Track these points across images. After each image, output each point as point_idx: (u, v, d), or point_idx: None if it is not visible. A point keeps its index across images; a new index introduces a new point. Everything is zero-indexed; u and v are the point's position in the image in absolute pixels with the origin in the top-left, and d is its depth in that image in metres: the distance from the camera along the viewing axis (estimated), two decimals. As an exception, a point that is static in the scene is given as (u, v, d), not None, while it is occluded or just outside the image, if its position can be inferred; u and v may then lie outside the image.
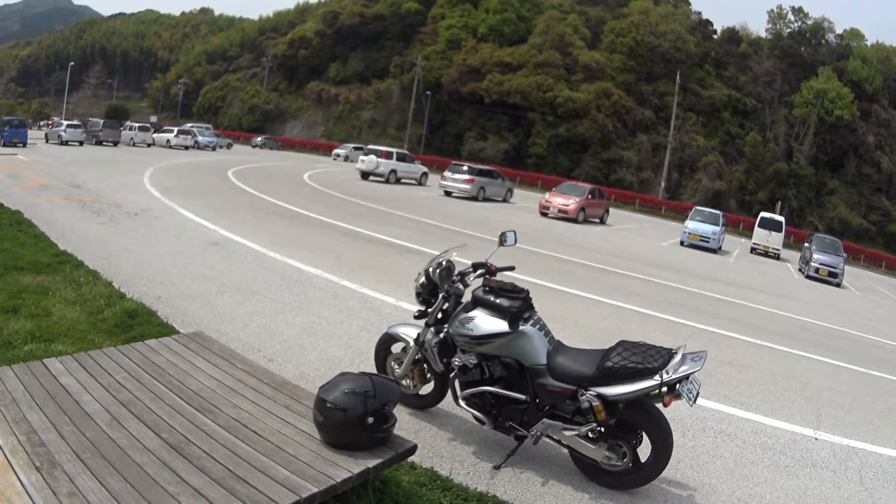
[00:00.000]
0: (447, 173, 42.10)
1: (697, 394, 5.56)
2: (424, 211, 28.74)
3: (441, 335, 6.28)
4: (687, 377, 5.39)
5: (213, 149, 64.27)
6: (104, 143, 51.85)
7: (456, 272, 6.44)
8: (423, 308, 6.45)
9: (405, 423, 6.41)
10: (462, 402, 6.17)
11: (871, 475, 7.60)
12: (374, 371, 6.78)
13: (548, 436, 5.84)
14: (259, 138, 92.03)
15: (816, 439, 8.45)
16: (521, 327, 5.80)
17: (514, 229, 7.01)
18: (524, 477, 5.90)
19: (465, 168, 42.58)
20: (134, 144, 55.01)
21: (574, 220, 37.44)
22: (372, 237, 18.57)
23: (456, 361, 6.06)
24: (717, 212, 42.56)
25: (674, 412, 7.81)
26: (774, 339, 14.66)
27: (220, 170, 35.84)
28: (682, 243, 37.81)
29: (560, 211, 37.52)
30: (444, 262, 6.43)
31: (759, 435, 8.23)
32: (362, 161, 45.46)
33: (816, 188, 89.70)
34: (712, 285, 22.06)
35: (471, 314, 6.00)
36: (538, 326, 5.97)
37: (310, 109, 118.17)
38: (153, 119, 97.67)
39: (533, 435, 5.81)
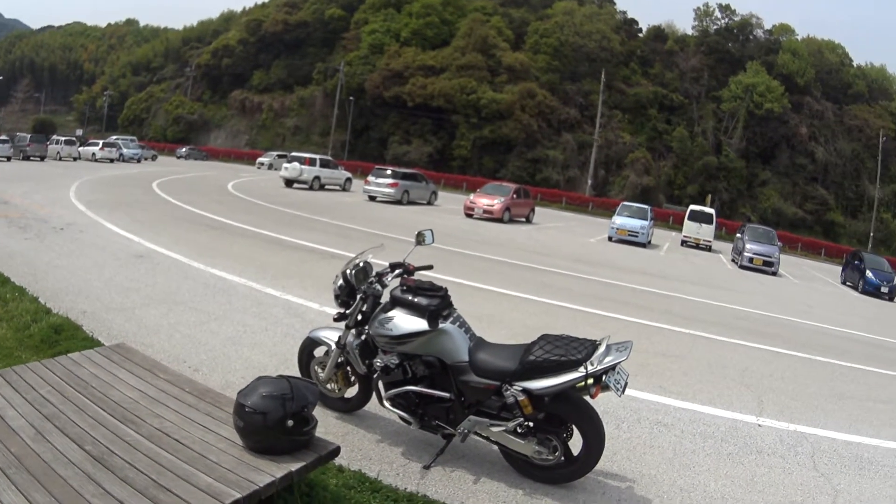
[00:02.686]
0: (371, 178, 42.52)
1: (626, 384, 5.57)
2: (348, 216, 28.99)
3: (362, 337, 6.28)
4: (613, 368, 5.39)
5: (138, 161, 63.81)
6: (31, 158, 51.17)
7: (373, 273, 6.45)
8: (342, 311, 6.42)
9: (332, 427, 6.47)
10: (387, 403, 6.16)
11: (827, 460, 7.54)
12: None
13: (476, 433, 5.85)
14: (183, 149, 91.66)
15: (759, 426, 8.38)
16: (440, 325, 5.83)
17: (430, 228, 7.08)
18: (455, 475, 5.87)
19: (389, 172, 43.02)
20: (60, 158, 54.64)
21: (500, 221, 37.76)
22: (296, 244, 18.51)
23: (378, 362, 6.07)
24: (645, 206, 43.43)
25: (607, 404, 7.80)
26: (709, 328, 14.69)
27: (145, 182, 35.53)
28: (610, 239, 38.19)
29: (485, 212, 37.84)
30: (360, 264, 6.45)
31: (697, 424, 8.13)
32: (286, 169, 46.21)
33: (748, 180, 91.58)
34: (643, 279, 22.16)
35: (390, 314, 6.02)
36: (458, 323, 6.01)
37: (233, 118, 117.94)
38: (79, 132, 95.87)
39: (460, 433, 5.83)
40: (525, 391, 5.46)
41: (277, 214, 26.57)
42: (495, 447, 6.01)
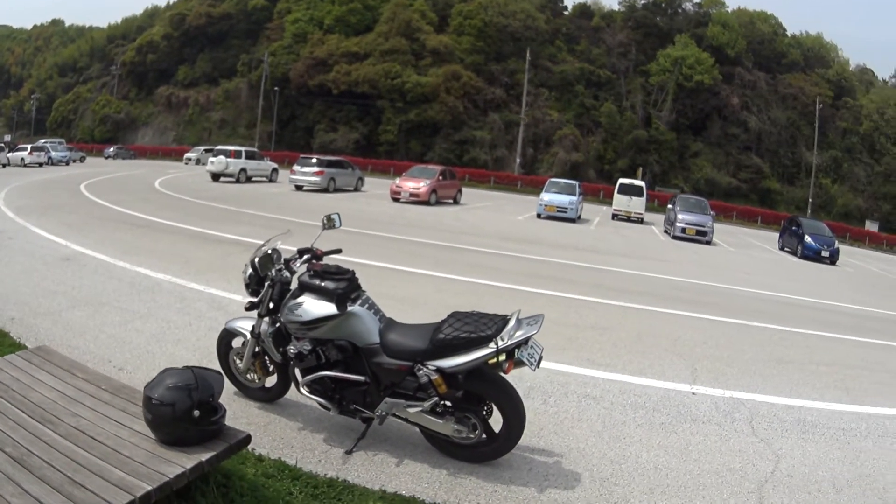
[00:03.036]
0: (296, 167, 42.40)
1: (540, 358, 5.59)
2: (274, 207, 28.67)
3: (275, 325, 6.26)
4: (526, 342, 5.39)
5: (67, 163, 62.79)
6: (-42, 168, 49.58)
7: (281, 260, 6.42)
8: (253, 299, 6.41)
9: (255, 417, 6.46)
10: (304, 390, 6.10)
11: (766, 425, 7.34)
12: (220, 369, 6.73)
13: (394, 415, 5.84)
14: (111, 149, 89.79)
15: (693, 394, 8.16)
16: (349, 308, 5.83)
17: (338, 212, 6.99)
18: (378, 459, 5.83)
19: (314, 161, 42.88)
20: None
21: (427, 203, 37.91)
22: (220, 237, 18.07)
23: (291, 349, 6.05)
24: (573, 182, 43.46)
25: (533, 379, 7.65)
26: (640, 299, 14.50)
27: (73, 184, 34.58)
28: (539, 216, 38.18)
29: (411, 195, 38.04)
30: (268, 251, 6.42)
31: (627, 395, 7.88)
32: (211, 163, 45.69)
33: (679, 152, 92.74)
34: (572, 254, 22.03)
35: (299, 300, 5.99)
36: (367, 306, 6.01)
37: (160, 115, 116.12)
38: (7, 138, 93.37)
39: (378, 416, 5.83)
40: (438, 370, 5.44)
41: (203, 209, 26.09)
42: (417, 428, 5.98)
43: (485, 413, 5.72)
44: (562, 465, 5.96)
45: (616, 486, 5.69)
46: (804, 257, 34.53)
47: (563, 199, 38.03)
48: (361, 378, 5.84)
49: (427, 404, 5.58)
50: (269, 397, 6.79)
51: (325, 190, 41.22)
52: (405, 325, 5.99)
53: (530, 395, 7.44)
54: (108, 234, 17.24)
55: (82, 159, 72.27)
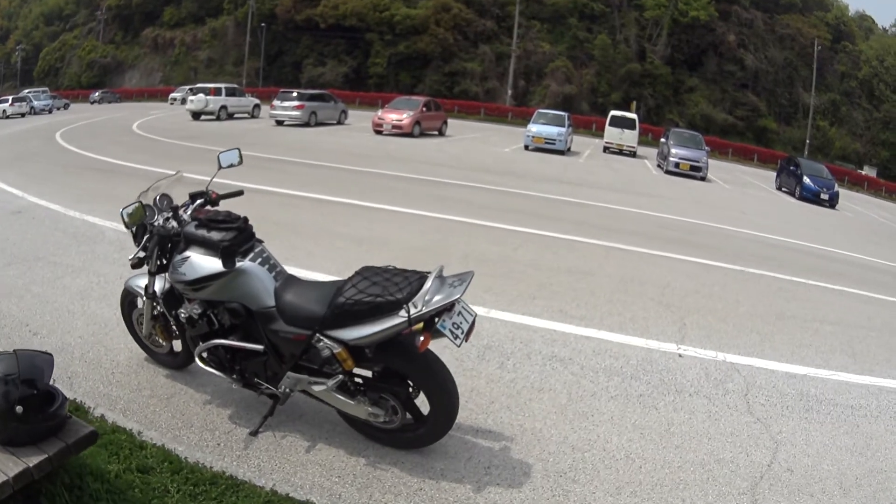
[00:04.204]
0: (276, 101, 41.52)
1: (470, 328, 4.42)
2: (249, 143, 27.29)
3: (167, 284, 5.44)
4: (450, 308, 4.29)
5: (50, 111, 62.74)
6: (-63, 125, 49.78)
7: (169, 206, 5.54)
8: (142, 254, 5.40)
9: (159, 389, 5.62)
10: (198, 361, 5.22)
11: (764, 399, 6.17)
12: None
13: (304, 391, 4.87)
14: (96, 94, 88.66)
15: (681, 356, 7.00)
16: (237, 264, 4.85)
17: (237, 147, 6.11)
18: (286, 442, 4.93)
19: (295, 94, 41.86)
20: None
21: (409, 135, 37.09)
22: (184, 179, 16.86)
23: (182, 313, 5.22)
24: (562, 113, 42.09)
25: (491, 337, 6.71)
26: (627, 239, 13.38)
27: (50, 132, 33.46)
28: (526, 148, 37.30)
29: (394, 127, 37.14)
30: (156, 197, 5.58)
31: (602, 357, 6.73)
32: (191, 101, 45.11)
33: (674, 87, 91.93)
34: (557, 187, 21.02)
35: (184, 255, 5.09)
36: (259, 260, 5.03)
37: (146, 57, 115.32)
38: None
39: (281, 392, 4.90)
40: (340, 341, 4.42)
41: (174, 149, 25.17)
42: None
43: (409, 393, 4.73)
44: (510, 454, 4.90)
45: (574, 484, 4.58)
46: (802, 199, 33.41)
47: (552, 131, 37.08)
48: (259, 348, 4.89)
49: (331, 383, 4.60)
50: (177, 364, 5.92)
51: (307, 124, 40.39)
52: (306, 284, 5.03)
53: (485, 356, 6.34)
54: (68, 181, 16.53)
55: (66, 106, 72.27)
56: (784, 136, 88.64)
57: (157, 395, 5.44)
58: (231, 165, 6.01)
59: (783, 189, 37.58)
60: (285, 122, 40.74)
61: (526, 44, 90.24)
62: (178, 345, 5.84)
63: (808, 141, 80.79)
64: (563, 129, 37.51)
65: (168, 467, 4.46)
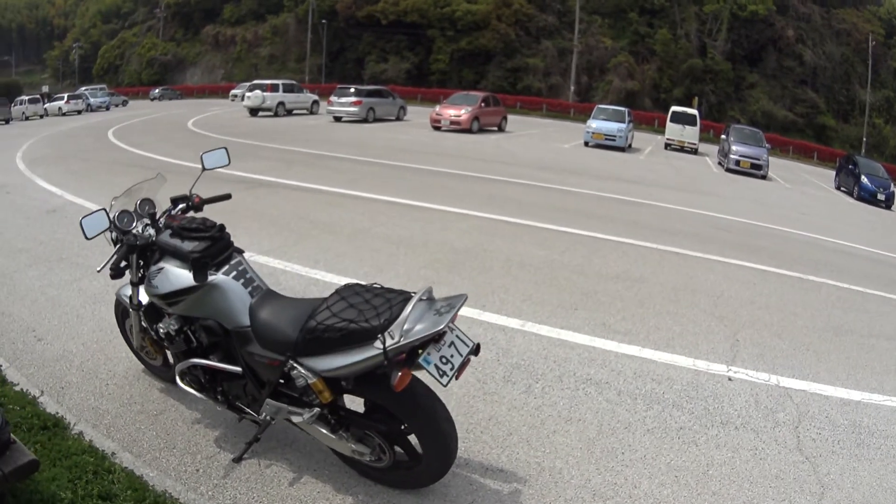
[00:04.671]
0: (333, 98, 41.40)
1: (463, 362, 3.70)
2: (302, 140, 27.46)
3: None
4: (437, 339, 3.62)
5: (107, 108, 63.43)
6: (-4, 122, 51.62)
7: (148, 212, 5.08)
8: (122, 263, 4.97)
9: (151, 404, 5.34)
10: (178, 380, 4.84)
11: (815, 433, 5.40)
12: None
13: (287, 420, 4.29)
14: (157, 90, 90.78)
15: (730, 379, 6.27)
16: (210, 278, 4.34)
17: (224, 147, 5.76)
18: (269, 473, 4.47)
19: (352, 90, 41.80)
20: (27, 118, 53.82)
21: (468, 131, 36.72)
22: (226, 175, 16.14)
23: (161, 328, 4.76)
24: (623, 108, 41.25)
25: (521, 354, 6.15)
26: (682, 242, 12.61)
27: (103, 129, 33.80)
28: (586, 144, 36.60)
29: (452, 122, 36.91)
30: (137, 202, 5.16)
31: (643, 380, 6.04)
32: (248, 98, 45.41)
33: (735, 83, 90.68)
34: (614, 185, 20.28)
35: (159, 265, 4.65)
36: (234, 273, 4.50)
37: (208, 54, 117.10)
38: (45, 89, 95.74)
39: (262, 420, 4.39)
40: (315, 372, 3.82)
41: (225, 145, 24.80)
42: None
43: (401, 430, 4.04)
44: (520, 499, 4.25)
45: (593, 541, 3.88)
46: (860, 199, 32.24)
47: (612, 127, 36.23)
48: (237, 370, 4.37)
49: (307, 415, 4.02)
50: (171, 376, 5.29)
51: (365, 120, 40.22)
52: (283, 302, 4.39)
53: (512, 377, 5.72)
54: (110, 180, 16.23)
55: (124, 103, 73.25)
56: (842, 134, 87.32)
57: (146, 411, 5.17)
58: (217, 167, 5.62)
59: (842, 188, 36.45)
60: (343, 119, 40.56)
61: (587, 39, 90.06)
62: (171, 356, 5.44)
63: (864, 139, 79.10)
64: (623, 125, 36.72)
65: (131, 495, 4.06)
